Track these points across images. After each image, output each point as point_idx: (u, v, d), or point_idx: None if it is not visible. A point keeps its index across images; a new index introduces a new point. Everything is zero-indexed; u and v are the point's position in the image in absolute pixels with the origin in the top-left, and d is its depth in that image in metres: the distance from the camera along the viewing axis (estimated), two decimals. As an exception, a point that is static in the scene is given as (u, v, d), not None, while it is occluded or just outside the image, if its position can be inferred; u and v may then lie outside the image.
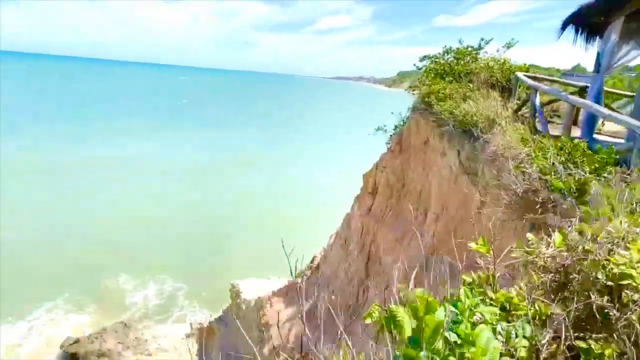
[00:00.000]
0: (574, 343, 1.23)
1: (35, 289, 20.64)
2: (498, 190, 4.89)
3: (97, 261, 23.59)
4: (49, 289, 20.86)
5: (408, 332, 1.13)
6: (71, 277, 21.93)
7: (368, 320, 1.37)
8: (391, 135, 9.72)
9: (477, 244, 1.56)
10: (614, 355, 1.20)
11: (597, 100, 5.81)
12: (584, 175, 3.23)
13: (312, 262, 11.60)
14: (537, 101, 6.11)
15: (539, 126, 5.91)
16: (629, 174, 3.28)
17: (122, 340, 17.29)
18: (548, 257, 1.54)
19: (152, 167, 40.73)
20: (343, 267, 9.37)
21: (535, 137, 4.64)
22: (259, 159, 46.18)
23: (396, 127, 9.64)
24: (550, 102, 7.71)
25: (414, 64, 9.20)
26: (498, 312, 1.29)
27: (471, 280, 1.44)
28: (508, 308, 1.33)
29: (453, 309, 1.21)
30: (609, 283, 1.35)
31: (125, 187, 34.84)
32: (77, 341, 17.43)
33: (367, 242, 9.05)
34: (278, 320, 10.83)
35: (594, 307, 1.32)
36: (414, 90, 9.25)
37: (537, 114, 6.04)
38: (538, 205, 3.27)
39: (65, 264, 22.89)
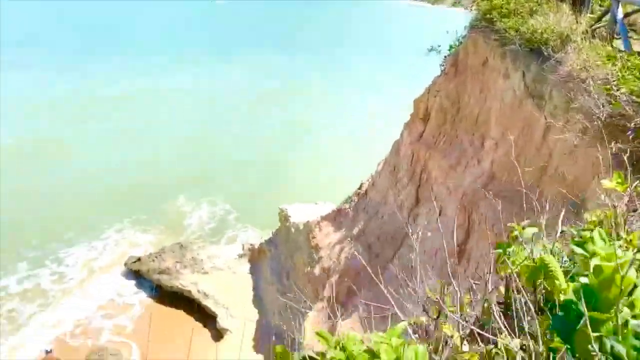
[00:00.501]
0: None
1: (106, 211, 22.70)
2: (572, 114, 4.57)
3: (160, 184, 25.38)
4: (118, 210, 22.84)
5: (562, 284, 0.98)
6: (136, 200, 23.87)
7: (503, 272, 1.23)
8: (445, 57, 9.18)
9: (610, 180, 1.40)
10: None
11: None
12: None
13: (359, 188, 11.68)
14: (619, 13, 5.48)
15: (620, 43, 5.36)
16: None
17: (179, 260, 18.57)
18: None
19: (201, 95, 41.21)
20: (392, 194, 9.37)
21: (621, 54, 4.20)
22: (307, 87, 45.46)
23: (451, 47, 9.06)
24: (627, 14, 6.93)
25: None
26: None
27: (595, 218, 1.30)
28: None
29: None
30: None
31: (180, 116, 36.01)
32: (139, 259, 18.86)
33: (418, 170, 8.94)
34: (328, 243, 11.21)
35: None
36: (472, 5, 8.51)
37: (617, 29, 5.45)
38: (629, 132, 3.02)
39: (132, 189, 24.86)
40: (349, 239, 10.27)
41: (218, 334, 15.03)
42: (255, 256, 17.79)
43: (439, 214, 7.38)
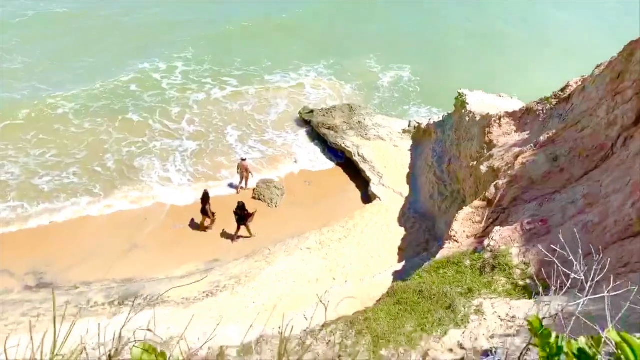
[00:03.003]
0: None
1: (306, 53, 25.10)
2: None
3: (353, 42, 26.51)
4: (317, 55, 25.00)
5: None
6: (333, 48, 25.58)
7: None
8: None
9: None
10: None
11: None
12: None
13: (562, 90, 10.00)
14: None
15: None
16: None
17: (347, 121, 19.26)
18: None
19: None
20: (605, 106, 7.83)
21: None
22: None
23: None
24: None
25: None
26: None
27: None
28: None
29: None
30: None
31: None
32: (311, 111, 20.07)
33: (653, 83, 7.14)
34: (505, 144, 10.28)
35: None
36: None
37: None
38: None
39: (330, 37, 26.80)
40: (531, 144, 9.20)
41: (368, 198, 15.90)
42: (419, 135, 17.48)
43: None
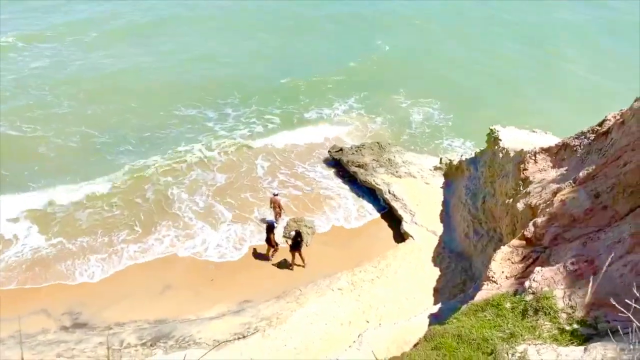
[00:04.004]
0: None
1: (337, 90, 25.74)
2: None
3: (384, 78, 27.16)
4: (347, 92, 25.52)
5: None
6: (365, 86, 26.04)
7: None
8: None
9: None
10: None
11: None
12: None
13: (600, 125, 9.72)
14: None
15: None
16: None
17: (376, 158, 19.26)
18: None
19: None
20: (648, 140, 7.53)
21: None
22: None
23: None
24: None
25: None
26: None
27: None
28: None
29: None
30: None
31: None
32: (340, 149, 20.20)
33: (698, 115, 6.86)
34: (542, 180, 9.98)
35: None
36: None
37: None
38: None
39: (359, 76, 27.13)
40: (570, 180, 8.90)
41: (401, 237, 15.61)
42: (451, 172, 17.25)
43: None
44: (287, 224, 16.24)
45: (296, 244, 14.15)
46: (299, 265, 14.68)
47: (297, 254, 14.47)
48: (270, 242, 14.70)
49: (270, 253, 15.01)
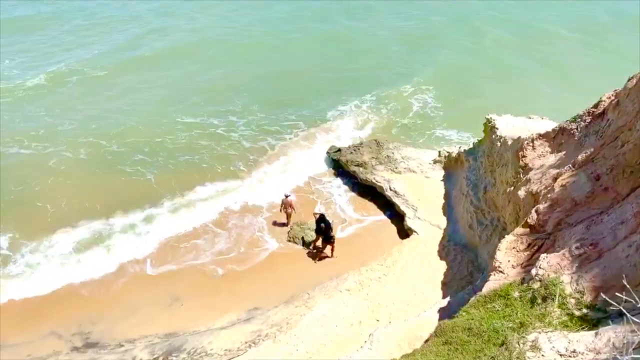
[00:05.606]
0: None
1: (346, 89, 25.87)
2: None
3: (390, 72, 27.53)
4: (359, 90, 25.73)
5: None
6: (370, 83, 26.29)
7: None
8: None
9: None
10: None
11: None
12: None
13: (595, 106, 9.68)
14: None
15: None
16: None
17: (375, 156, 19.24)
18: None
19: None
20: (645, 119, 7.51)
21: None
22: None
23: None
24: None
25: None
26: None
27: None
28: None
29: None
30: None
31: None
32: (339, 150, 20.18)
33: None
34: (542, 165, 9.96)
35: None
36: None
37: None
38: None
39: (367, 73, 27.47)
40: (569, 164, 8.87)
41: (405, 233, 15.58)
42: (451, 164, 17.22)
43: None
44: (291, 228, 16.25)
45: (326, 237, 14.62)
46: (324, 258, 15.15)
47: (328, 246, 14.91)
48: (329, 239, 14.81)
49: (322, 247, 15.22)
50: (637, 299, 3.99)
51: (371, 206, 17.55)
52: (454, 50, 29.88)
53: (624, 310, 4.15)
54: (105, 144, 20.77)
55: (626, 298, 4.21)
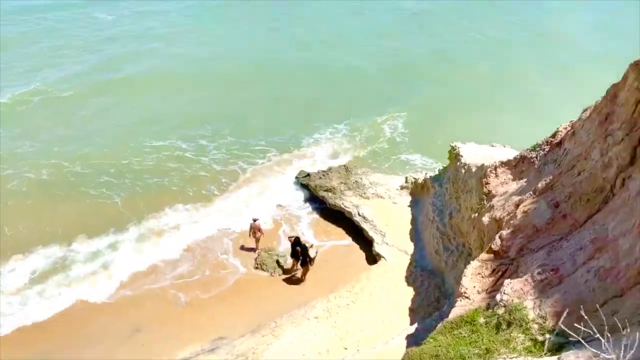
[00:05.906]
0: None
1: (325, 116, 26.26)
2: None
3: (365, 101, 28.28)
4: (334, 117, 26.10)
5: None
6: (345, 111, 26.83)
7: None
8: None
9: None
10: None
11: None
12: None
13: (553, 136, 10.11)
14: None
15: None
16: None
17: (344, 181, 19.36)
18: None
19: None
20: (598, 148, 7.86)
21: None
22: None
23: None
24: None
25: None
26: None
27: None
28: None
29: None
30: None
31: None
32: (308, 175, 20.21)
33: (641, 123, 7.22)
34: (504, 193, 10.23)
35: None
36: None
37: None
38: None
39: (345, 102, 28.14)
40: (530, 192, 9.16)
41: (373, 259, 15.59)
42: (417, 190, 17.50)
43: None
44: (259, 255, 15.99)
45: (304, 260, 14.71)
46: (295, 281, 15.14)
47: (303, 269, 14.98)
48: (305, 263, 14.83)
49: (296, 269, 15.26)
50: (593, 328, 4.09)
51: (334, 231, 17.55)
52: (429, 80, 30.86)
53: (581, 340, 4.22)
54: (69, 165, 20.16)
55: (583, 329, 4.30)
